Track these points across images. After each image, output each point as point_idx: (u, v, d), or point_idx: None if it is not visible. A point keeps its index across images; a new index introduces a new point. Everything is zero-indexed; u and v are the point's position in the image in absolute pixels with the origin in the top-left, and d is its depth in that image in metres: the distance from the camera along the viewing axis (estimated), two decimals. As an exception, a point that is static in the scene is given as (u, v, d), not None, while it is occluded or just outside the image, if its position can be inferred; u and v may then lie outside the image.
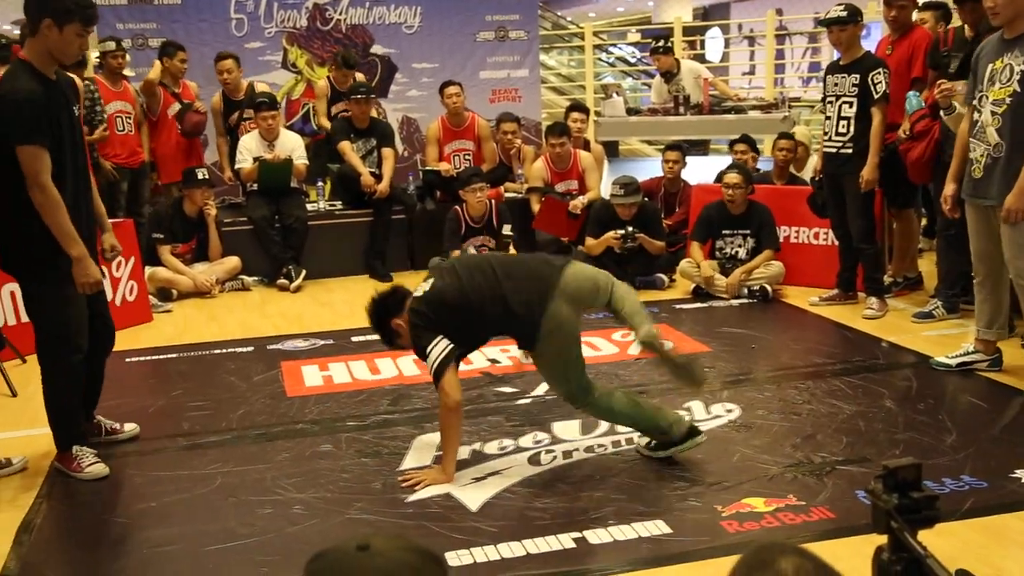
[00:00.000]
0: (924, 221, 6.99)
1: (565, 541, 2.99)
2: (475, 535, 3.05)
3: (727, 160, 7.79)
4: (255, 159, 6.99)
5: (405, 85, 8.59)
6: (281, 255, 6.88)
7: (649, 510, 3.18)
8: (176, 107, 7.23)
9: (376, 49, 8.45)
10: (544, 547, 2.96)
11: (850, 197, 5.59)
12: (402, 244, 7.35)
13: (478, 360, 4.92)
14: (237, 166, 7.12)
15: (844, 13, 5.46)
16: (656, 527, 3.07)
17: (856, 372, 4.60)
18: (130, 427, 4.03)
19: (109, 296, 5.59)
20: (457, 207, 6.72)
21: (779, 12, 12.95)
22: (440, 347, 3.34)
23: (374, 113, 7.60)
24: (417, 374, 4.73)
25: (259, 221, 6.88)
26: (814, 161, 6.50)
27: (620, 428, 3.92)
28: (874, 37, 7.94)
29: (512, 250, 6.64)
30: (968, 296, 5.54)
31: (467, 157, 7.62)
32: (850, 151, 5.53)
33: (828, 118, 5.68)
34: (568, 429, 3.94)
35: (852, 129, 5.51)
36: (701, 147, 8.48)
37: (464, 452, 3.70)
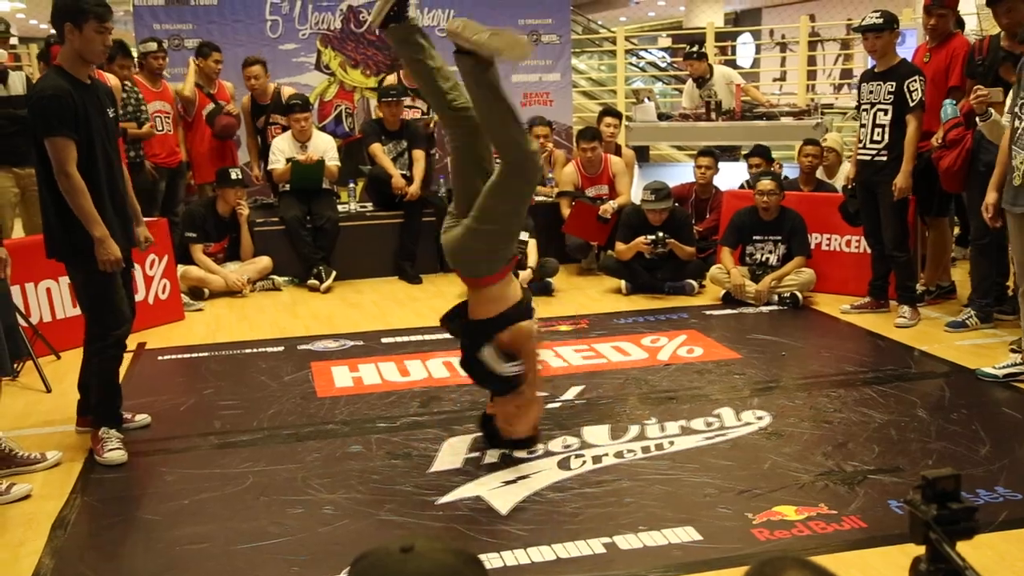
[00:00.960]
0: (957, 230, 6.92)
1: (595, 546, 2.99)
2: (505, 538, 3.05)
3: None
4: (288, 160, 7.04)
5: (436, 88, 8.60)
6: (312, 256, 6.92)
7: (679, 516, 3.17)
8: (211, 107, 7.30)
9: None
10: (574, 552, 2.96)
11: (884, 205, 5.54)
12: (432, 247, 7.33)
13: (507, 363, 4.93)
14: (270, 167, 7.17)
15: (880, 20, 5.41)
16: (687, 534, 3.06)
17: (888, 381, 4.56)
18: (141, 417, 4.15)
19: (141, 295, 5.71)
20: None
21: (812, 18, 12.84)
22: None
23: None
24: (446, 376, 4.75)
25: (291, 221, 6.93)
26: (846, 168, 6.45)
27: (649, 433, 3.92)
28: (909, 44, 7.88)
29: (534, 252, 6.63)
30: (1002, 306, 5.50)
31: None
32: (885, 159, 5.48)
33: (863, 126, 5.64)
34: (598, 434, 3.93)
35: (887, 137, 5.47)
36: (732, 153, 8.43)
37: (494, 456, 3.71)
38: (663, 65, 17.44)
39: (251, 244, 6.92)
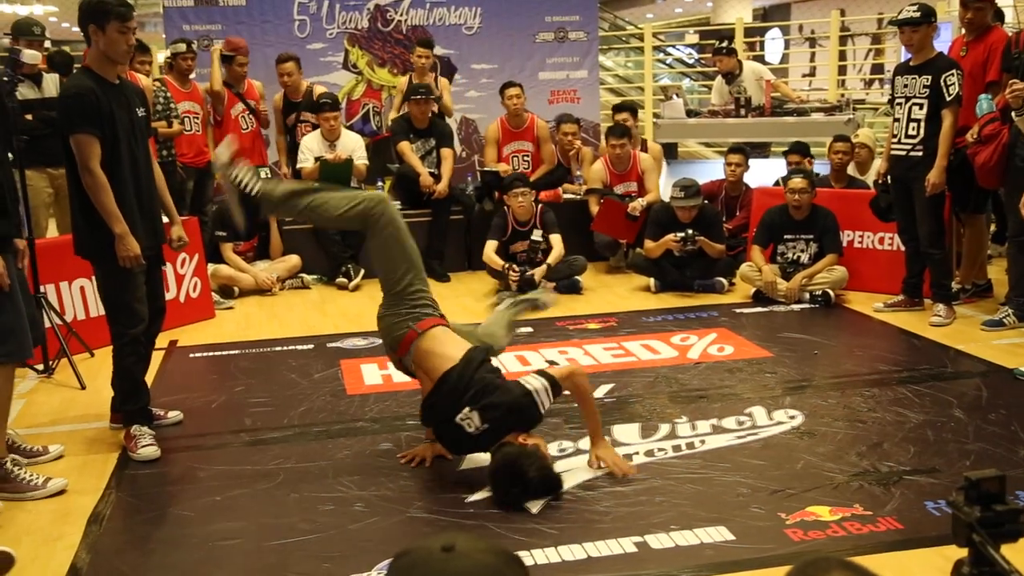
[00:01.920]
0: (993, 227, 6.82)
1: (626, 545, 2.97)
2: (535, 536, 3.04)
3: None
4: (316, 159, 7.07)
5: (464, 86, 8.61)
6: (340, 254, 6.95)
7: (711, 516, 3.15)
8: (240, 107, 7.35)
9: (436, 50, 8.48)
10: (605, 551, 2.95)
11: (919, 201, 5.47)
12: (460, 244, 7.38)
13: (536, 361, 4.92)
14: (299, 165, 7.20)
15: (918, 13, 5.33)
16: (719, 533, 3.03)
17: (923, 380, 4.50)
18: (174, 414, 4.19)
19: (172, 294, 5.75)
20: (507, 208, 6.73)
21: (842, 13, 12.72)
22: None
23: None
24: (476, 374, 4.73)
25: (319, 220, 6.95)
26: (878, 164, 6.38)
27: (680, 432, 3.89)
28: (944, 38, 7.76)
29: (558, 248, 6.59)
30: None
31: (526, 158, 7.63)
32: (920, 154, 5.41)
33: (896, 120, 5.56)
34: (628, 433, 3.91)
35: (922, 131, 5.39)
36: (762, 150, 8.37)
37: (524, 453, 3.70)
38: (691, 61, 17.35)
39: (280, 243, 6.96)
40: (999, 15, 6.02)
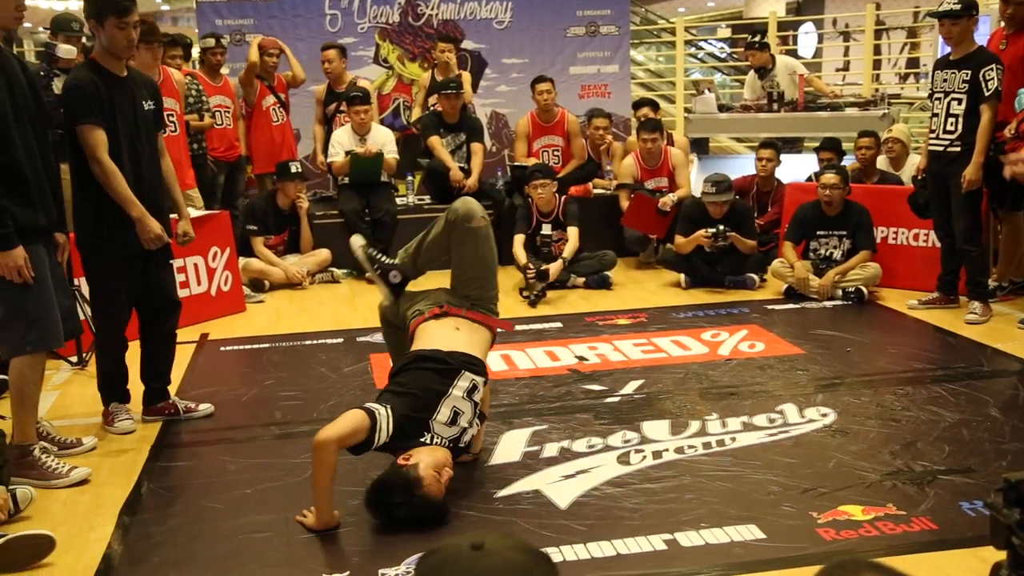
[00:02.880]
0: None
1: (656, 543, 2.95)
2: (565, 533, 3.03)
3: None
4: (347, 153, 7.09)
5: (495, 80, 8.60)
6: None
7: (742, 514, 3.12)
8: (271, 99, 7.39)
9: (467, 44, 8.48)
10: (634, 548, 2.93)
11: (955, 197, 5.38)
12: (489, 239, 7.35)
13: (565, 357, 4.91)
14: (329, 159, 7.23)
15: (958, 6, 5.24)
16: (749, 532, 3.00)
17: (958, 379, 4.43)
18: (205, 407, 4.24)
19: (204, 287, 5.79)
20: (530, 200, 6.72)
21: (877, 6, 12.56)
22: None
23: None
24: (504, 369, 4.74)
25: (349, 214, 6.98)
26: (914, 160, 6.29)
27: (710, 429, 3.86)
28: (983, 32, 7.63)
29: (572, 241, 6.55)
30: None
31: (556, 153, 7.60)
32: (958, 149, 5.32)
33: (935, 115, 5.48)
34: (658, 429, 3.89)
35: (960, 127, 5.31)
36: (795, 145, 8.28)
37: (553, 449, 3.69)
38: (722, 56, 17.21)
39: (311, 237, 6.98)
40: None
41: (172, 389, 4.50)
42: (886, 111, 7.54)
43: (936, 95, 5.45)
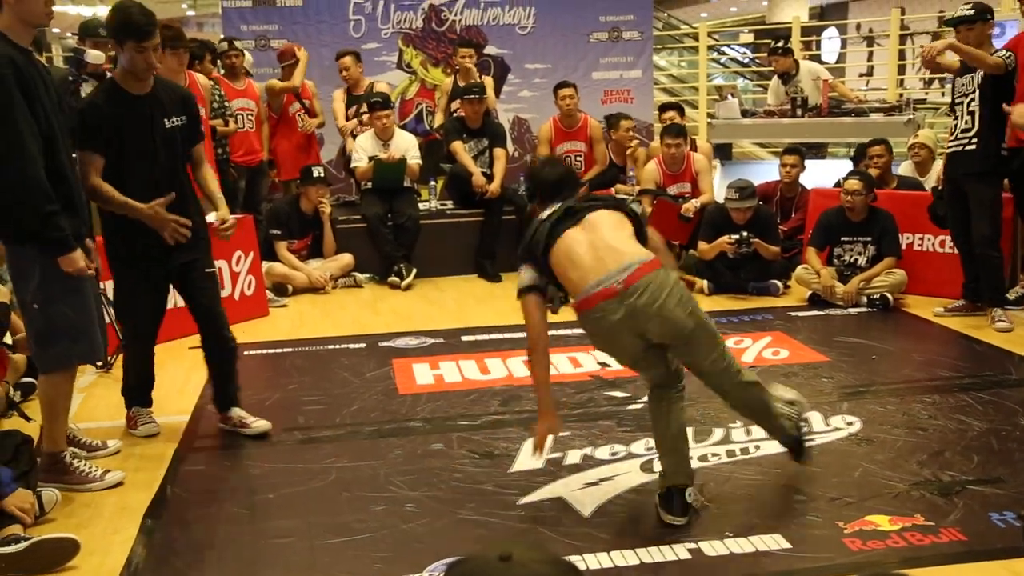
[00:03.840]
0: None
1: (680, 552, 2.93)
2: (588, 541, 3.01)
3: (846, 164, 7.55)
4: (370, 158, 7.11)
5: (517, 85, 8.60)
6: (393, 253, 6.98)
7: (767, 523, 3.09)
8: (296, 105, 7.42)
9: (490, 50, 8.49)
10: (658, 556, 2.91)
11: (973, 202, 5.35)
12: (512, 244, 7.29)
13: (588, 363, 4.89)
14: (352, 164, 7.26)
15: (971, 12, 5.22)
16: (775, 541, 2.97)
17: (986, 387, 4.37)
18: (259, 424, 4.07)
19: (228, 291, 5.82)
20: None
21: (902, 11, 12.47)
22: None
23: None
24: (526, 375, 4.71)
25: (372, 219, 7.00)
26: (939, 167, 6.23)
27: (735, 437, 3.84)
28: (1008, 37, 7.56)
29: None
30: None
31: (579, 158, 7.59)
32: (974, 147, 5.28)
33: (956, 118, 5.44)
34: (681, 436, 3.86)
35: (976, 123, 5.27)
36: (819, 151, 8.23)
37: (575, 456, 3.68)
38: (745, 61, 17.15)
39: (333, 241, 7.01)
40: None
41: (194, 394, 4.53)
42: (911, 116, 7.48)
43: (957, 101, 5.42)
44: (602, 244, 3.13)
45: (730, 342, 5.20)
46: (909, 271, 5.99)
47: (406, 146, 7.25)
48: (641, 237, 3.27)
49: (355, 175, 7.31)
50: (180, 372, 4.94)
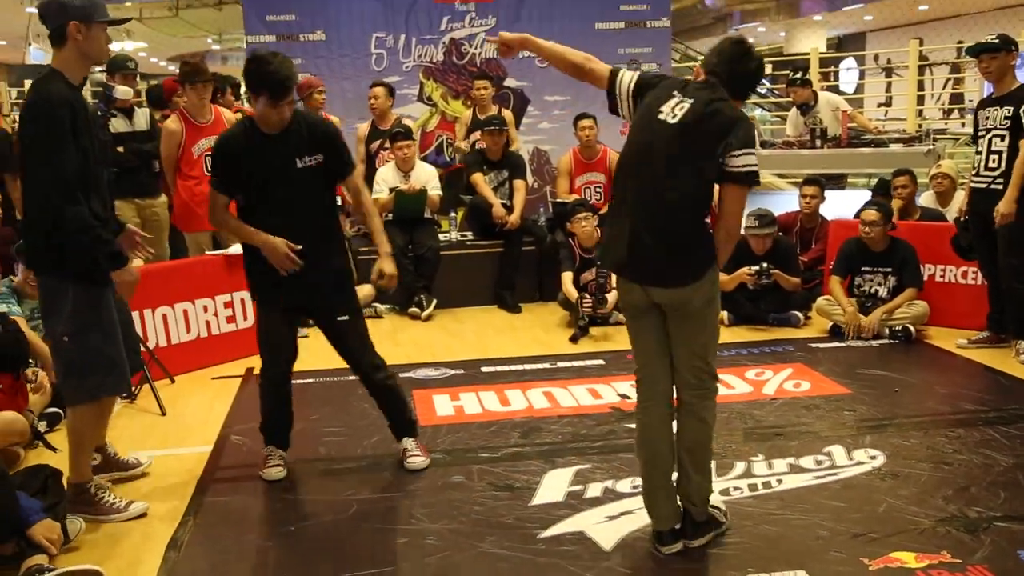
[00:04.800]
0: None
1: (702, 587, 2.92)
2: (608, 575, 3.00)
3: (865, 195, 7.54)
4: (391, 189, 7.16)
5: (537, 117, 8.66)
6: (413, 284, 7.01)
7: (790, 559, 3.07)
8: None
9: (510, 82, 8.55)
10: (681, 592, 2.89)
11: (1000, 235, 5.32)
12: (532, 276, 7.38)
13: (608, 395, 4.89)
14: (373, 195, 7.29)
15: (996, 41, 5.23)
16: (798, 578, 2.95)
17: (1012, 421, 4.33)
18: (417, 461, 4.01)
19: (250, 322, 5.86)
20: (571, 239, 6.73)
21: (920, 42, 12.50)
22: None
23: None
24: (547, 407, 4.72)
25: (393, 250, 7.02)
26: (961, 197, 6.21)
27: (756, 471, 3.82)
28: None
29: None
30: None
31: (598, 190, 7.61)
32: (1000, 187, 5.27)
33: (978, 154, 5.43)
34: (703, 470, 3.84)
35: (1003, 164, 5.26)
36: (838, 181, 8.21)
37: (596, 489, 3.67)
38: (764, 92, 17.20)
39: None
40: None
41: (217, 424, 4.55)
42: (931, 147, 7.46)
43: (979, 134, 5.41)
44: None
45: (751, 373, 5.20)
46: (931, 303, 5.96)
47: (426, 177, 7.30)
48: None
49: (376, 206, 7.36)
50: (203, 402, 4.97)
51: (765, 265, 6.23)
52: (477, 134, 7.57)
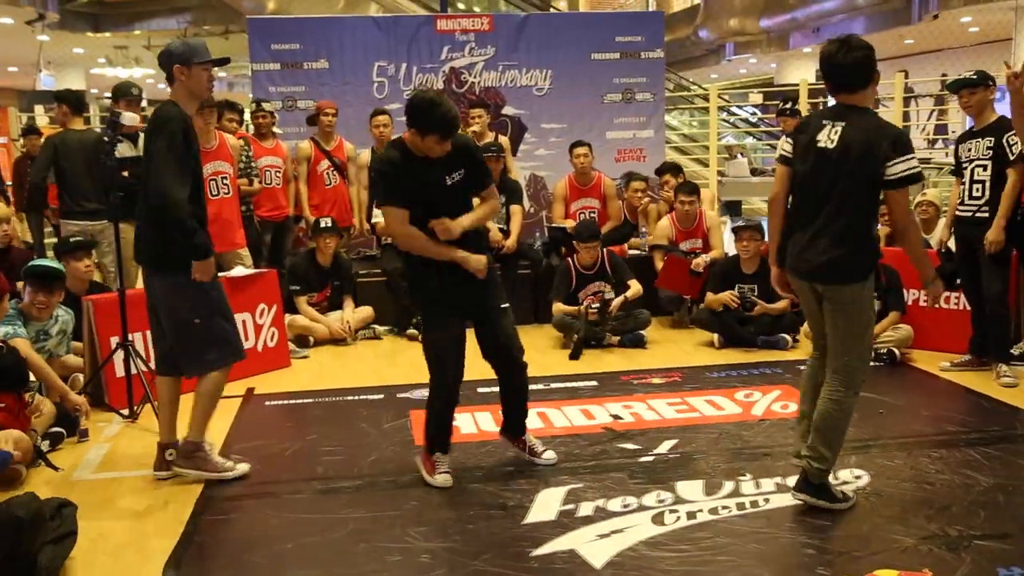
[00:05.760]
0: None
1: (690, 602, 2.99)
2: (600, 591, 3.08)
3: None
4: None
5: (534, 144, 8.79)
6: (411, 306, 7.10)
7: (776, 576, 3.16)
8: (325, 163, 7.63)
9: (507, 110, 8.70)
10: (669, 607, 2.97)
11: (985, 261, 5.44)
12: (528, 299, 7.49)
13: (601, 415, 4.98)
14: (373, 220, 7.43)
15: (975, 76, 5.39)
16: (783, 593, 3.04)
17: (993, 442, 4.44)
18: (548, 455, 4.33)
19: (251, 343, 5.95)
20: (568, 259, 6.87)
21: (905, 74, 12.71)
22: None
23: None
24: (541, 427, 4.81)
25: (392, 273, 7.13)
26: (942, 226, 6.32)
27: (745, 490, 3.91)
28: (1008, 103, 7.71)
29: (636, 287, 6.77)
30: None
31: (593, 215, 7.75)
32: (986, 215, 5.40)
33: (962, 184, 5.57)
34: (692, 489, 3.93)
35: (987, 193, 5.40)
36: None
37: (588, 508, 3.75)
38: (755, 121, 17.41)
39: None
40: None
41: (217, 441, 4.61)
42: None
43: (962, 165, 5.55)
44: None
45: (740, 395, 5.30)
46: (915, 326, 6.08)
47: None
48: None
49: (375, 230, 7.48)
50: (202, 422, 5.04)
51: (746, 290, 6.41)
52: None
